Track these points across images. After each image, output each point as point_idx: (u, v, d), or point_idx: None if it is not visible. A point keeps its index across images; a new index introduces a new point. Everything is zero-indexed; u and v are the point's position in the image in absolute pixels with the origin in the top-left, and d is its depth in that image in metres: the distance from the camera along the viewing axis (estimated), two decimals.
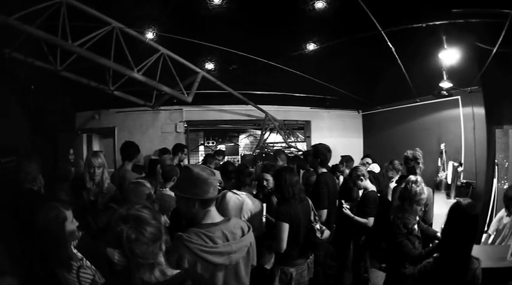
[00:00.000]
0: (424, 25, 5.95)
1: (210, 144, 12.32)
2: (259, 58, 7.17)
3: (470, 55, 6.70)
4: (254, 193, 5.33)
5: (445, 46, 6.47)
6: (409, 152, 5.96)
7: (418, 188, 4.27)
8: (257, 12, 6.51)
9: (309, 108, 11.82)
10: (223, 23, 6.60)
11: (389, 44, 6.68)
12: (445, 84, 7.43)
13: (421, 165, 5.85)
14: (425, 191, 4.38)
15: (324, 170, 5.75)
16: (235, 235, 2.75)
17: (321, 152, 5.66)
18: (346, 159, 7.66)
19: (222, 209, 4.63)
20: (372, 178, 7.51)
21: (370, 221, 5.79)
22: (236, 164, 5.78)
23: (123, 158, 6.17)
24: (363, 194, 6.04)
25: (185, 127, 10.91)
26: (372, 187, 6.01)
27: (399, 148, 9.23)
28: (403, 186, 4.43)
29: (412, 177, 4.43)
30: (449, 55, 6.61)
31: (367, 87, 10.10)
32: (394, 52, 7.01)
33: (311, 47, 7.59)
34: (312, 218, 4.58)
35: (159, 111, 10.62)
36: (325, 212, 5.35)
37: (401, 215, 4.28)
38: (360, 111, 12.45)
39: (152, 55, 6.25)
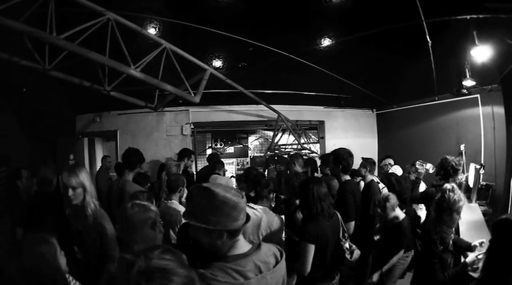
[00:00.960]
0: (468, 17, 5.35)
1: (218, 146, 11.76)
2: (269, 46, 6.50)
3: (497, 53, 6.11)
4: (272, 206, 4.65)
5: (476, 42, 5.88)
6: (455, 160, 5.41)
7: (455, 196, 3.90)
8: (268, 4, 5.95)
9: (322, 107, 11.31)
10: (231, 15, 6.04)
11: (427, 37, 6.11)
12: (468, 82, 7.04)
13: None
14: (462, 198, 4.01)
15: (348, 177, 5.18)
16: (269, 264, 2.16)
17: (342, 158, 5.08)
18: (370, 163, 6.80)
19: None
20: (393, 181, 7.00)
21: (400, 253, 5.06)
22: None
23: (123, 166, 5.58)
24: (395, 224, 5.18)
25: (192, 129, 10.38)
26: (402, 215, 5.25)
27: (416, 148, 9.29)
28: (439, 196, 4.02)
29: (447, 185, 4.05)
30: (481, 52, 6.01)
31: (385, 85, 9.55)
32: (430, 48, 6.46)
33: (326, 42, 7.01)
34: (341, 235, 4.01)
35: (163, 113, 10.10)
36: (352, 224, 4.81)
37: (439, 228, 3.90)
38: (374, 109, 11.94)
39: (154, 51, 5.60)
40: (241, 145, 12.03)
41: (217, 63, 7.78)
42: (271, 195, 4.39)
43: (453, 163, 5.36)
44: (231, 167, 11.86)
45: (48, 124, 8.12)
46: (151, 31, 6.15)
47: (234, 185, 6.88)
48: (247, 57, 7.58)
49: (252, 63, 7.68)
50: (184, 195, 5.33)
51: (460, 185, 7.37)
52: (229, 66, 7.96)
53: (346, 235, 4.12)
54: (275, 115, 9.69)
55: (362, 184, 6.84)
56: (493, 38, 5.90)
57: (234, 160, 12.11)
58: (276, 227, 4.02)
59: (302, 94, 9.82)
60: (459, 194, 3.94)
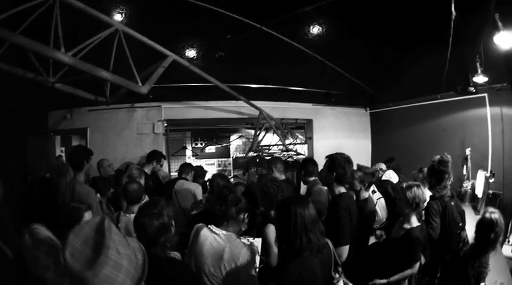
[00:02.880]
0: None
1: (199, 146, 11.00)
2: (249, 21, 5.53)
3: None
4: (243, 229, 3.58)
5: (501, 26, 4.80)
6: (436, 158, 4.87)
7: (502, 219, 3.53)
8: None
9: (310, 104, 10.41)
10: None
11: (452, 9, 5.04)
12: (480, 79, 6.24)
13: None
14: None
15: (343, 189, 4.13)
16: None
17: (338, 164, 4.04)
18: (369, 176, 5.47)
19: (195, 252, 3.22)
20: (390, 190, 6.10)
21: (415, 268, 4.03)
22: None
23: (72, 168, 5.21)
24: (406, 232, 4.18)
25: (165, 127, 9.54)
26: (416, 221, 4.22)
27: (414, 152, 8.54)
28: (481, 227, 3.55)
29: (490, 217, 3.51)
30: (507, 39, 4.93)
31: (380, 81, 8.60)
32: (450, 39, 5.49)
33: (315, 30, 6.08)
34: (333, 269, 3.06)
35: (134, 109, 9.37)
36: (346, 249, 3.79)
37: (478, 263, 3.38)
38: (368, 108, 11.09)
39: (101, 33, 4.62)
40: (220, 146, 11.24)
41: (191, 53, 6.82)
42: (242, 216, 3.40)
43: (437, 160, 4.84)
44: (212, 169, 11.04)
45: (17, 121, 7.89)
46: (117, 17, 5.23)
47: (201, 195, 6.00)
48: (225, 46, 6.61)
49: (230, 54, 6.77)
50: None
51: (464, 194, 6.77)
52: (204, 56, 6.96)
53: (339, 269, 3.15)
54: (257, 113, 8.83)
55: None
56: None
57: (215, 160, 11.31)
58: (244, 261, 3.08)
59: (288, 89, 8.92)
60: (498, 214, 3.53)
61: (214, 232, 3.20)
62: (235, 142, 11.36)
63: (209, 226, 3.29)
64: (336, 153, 4.18)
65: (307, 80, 8.68)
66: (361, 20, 5.53)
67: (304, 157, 9.82)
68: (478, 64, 6.04)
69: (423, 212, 4.95)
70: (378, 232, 4.94)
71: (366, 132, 11.04)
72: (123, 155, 9.14)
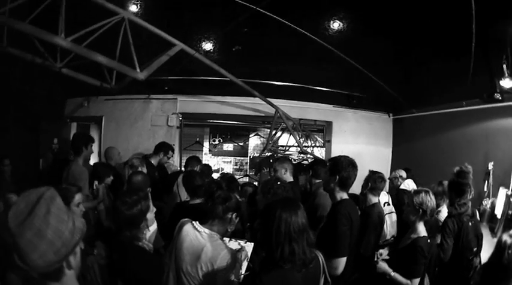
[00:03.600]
0: None
1: (217, 142, 10.88)
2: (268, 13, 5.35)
3: None
4: (229, 230, 3.23)
5: None
6: (455, 169, 4.72)
7: None
8: None
9: (331, 106, 10.02)
10: None
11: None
12: (507, 83, 5.76)
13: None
14: None
15: (345, 195, 3.75)
16: None
17: (341, 167, 3.66)
18: (374, 180, 5.15)
19: (176, 248, 3.04)
20: (406, 200, 5.78)
21: (415, 283, 3.70)
22: None
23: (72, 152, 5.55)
24: (411, 242, 3.92)
25: (180, 120, 9.44)
26: (423, 232, 3.93)
27: (435, 162, 8.06)
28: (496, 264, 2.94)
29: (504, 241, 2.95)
30: None
31: (404, 85, 8.30)
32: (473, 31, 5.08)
33: (336, 25, 5.83)
34: None
35: (150, 100, 9.35)
36: (342, 262, 3.40)
37: None
38: (391, 114, 10.57)
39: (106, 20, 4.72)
40: (236, 144, 11.04)
41: (208, 46, 6.74)
42: (230, 216, 3.11)
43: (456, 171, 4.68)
44: (228, 167, 11.04)
45: (35, 106, 8.08)
46: (132, 8, 5.41)
47: None
48: (242, 39, 6.51)
49: (248, 47, 6.69)
50: None
51: (483, 213, 6.35)
52: (220, 50, 6.95)
53: None
54: (273, 111, 8.52)
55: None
56: None
57: (231, 158, 11.18)
58: (222, 265, 2.80)
59: (308, 88, 8.60)
60: None
61: (197, 229, 2.96)
62: (254, 141, 11.18)
63: (193, 222, 3.05)
64: (339, 155, 3.86)
65: (329, 80, 8.42)
66: (384, 17, 5.33)
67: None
68: (504, 66, 5.59)
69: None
70: (379, 252, 4.54)
71: (387, 139, 10.55)
72: (135, 146, 9.10)
